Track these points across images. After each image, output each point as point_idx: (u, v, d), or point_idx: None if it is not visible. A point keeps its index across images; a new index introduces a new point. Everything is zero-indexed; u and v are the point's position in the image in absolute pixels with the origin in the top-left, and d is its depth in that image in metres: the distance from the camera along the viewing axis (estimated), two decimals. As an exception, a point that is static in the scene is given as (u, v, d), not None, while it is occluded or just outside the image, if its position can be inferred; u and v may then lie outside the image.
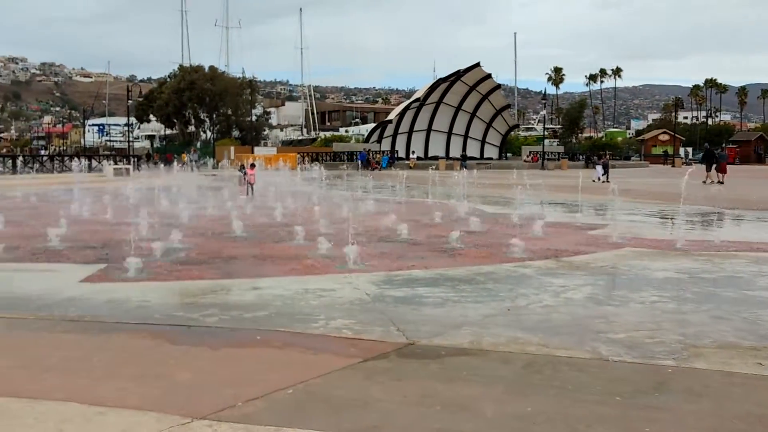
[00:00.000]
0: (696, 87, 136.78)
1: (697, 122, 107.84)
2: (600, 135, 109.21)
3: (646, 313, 7.05)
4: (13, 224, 14.39)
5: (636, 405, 4.49)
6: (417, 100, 67.26)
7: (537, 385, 4.85)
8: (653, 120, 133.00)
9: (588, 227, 14.87)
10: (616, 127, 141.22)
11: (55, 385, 4.74)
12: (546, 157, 63.87)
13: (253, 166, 24.49)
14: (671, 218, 17.35)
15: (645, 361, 5.40)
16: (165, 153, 67.25)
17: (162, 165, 48.31)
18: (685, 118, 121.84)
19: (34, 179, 28.02)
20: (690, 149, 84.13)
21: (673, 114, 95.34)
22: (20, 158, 40.78)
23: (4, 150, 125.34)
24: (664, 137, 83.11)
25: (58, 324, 6.51)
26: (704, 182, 32.39)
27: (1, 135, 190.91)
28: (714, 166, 34.49)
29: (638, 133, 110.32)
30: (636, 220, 16.58)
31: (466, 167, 56.71)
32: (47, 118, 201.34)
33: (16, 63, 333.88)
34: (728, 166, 36.73)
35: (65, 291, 7.94)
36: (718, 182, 32.42)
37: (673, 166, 66.28)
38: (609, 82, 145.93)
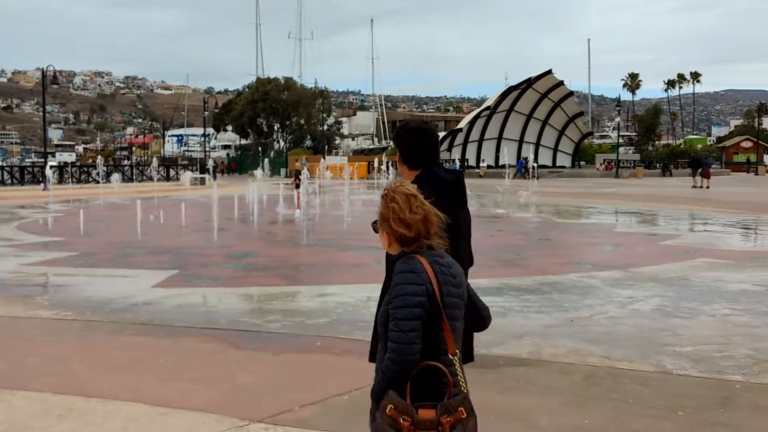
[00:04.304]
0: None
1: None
2: (678, 142, 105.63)
3: (717, 326, 6.80)
4: (96, 233, 15.06)
5: (700, 421, 4.35)
6: (487, 108, 66.70)
7: (596, 398, 4.76)
8: (735, 126, 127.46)
9: (661, 237, 14.44)
10: (696, 134, 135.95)
11: (123, 386, 4.95)
12: (621, 165, 62.28)
13: (299, 173, 25.21)
14: (754, 229, 16.65)
15: (712, 375, 5.22)
16: (230, 163, 76.51)
17: (237, 174, 50.41)
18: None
19: (119, 188, 29.36)
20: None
21: (757, 120, 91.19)
22: (104, 169, 42.07)
23: (90, 160, 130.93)
24: (747, 144, 79.48)
25: (128, 327, 6.78)
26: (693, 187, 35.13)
27: (88, 146, 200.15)
28: (699, 171, 37.03)
29: (719, 140, 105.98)
30: (714, 230, 15.97)
31: (524, 175, 50.83)
32: (130, 129, 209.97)
33: (102, 77, 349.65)
34: None
35: (138, 296, 8.26)
36: (706, 187, 34.80)
37: (756, 174, 63.48)
38: (688, 88, 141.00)
